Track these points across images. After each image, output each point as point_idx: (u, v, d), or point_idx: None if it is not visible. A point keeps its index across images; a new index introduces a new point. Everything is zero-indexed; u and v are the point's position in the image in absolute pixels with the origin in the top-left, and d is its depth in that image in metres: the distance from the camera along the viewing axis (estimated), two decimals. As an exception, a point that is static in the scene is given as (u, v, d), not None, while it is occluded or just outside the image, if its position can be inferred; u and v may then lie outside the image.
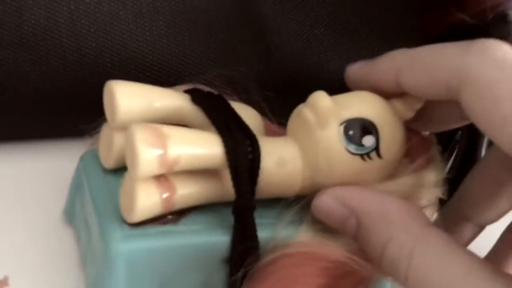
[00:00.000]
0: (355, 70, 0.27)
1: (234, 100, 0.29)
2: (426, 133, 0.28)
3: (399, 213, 0.24)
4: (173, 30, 0.31)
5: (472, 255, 0.23)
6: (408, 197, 0.26)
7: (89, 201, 0.27)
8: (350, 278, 0.25)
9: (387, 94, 0.27)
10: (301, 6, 0.34)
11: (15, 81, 0.30)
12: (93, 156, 0.28)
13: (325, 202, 0.25)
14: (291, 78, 0.32)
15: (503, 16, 0.29)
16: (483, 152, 0.32)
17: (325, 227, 0.26)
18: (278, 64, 0.33)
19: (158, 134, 0.24)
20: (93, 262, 0.26)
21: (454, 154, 0.32)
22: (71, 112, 0.30)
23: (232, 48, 0.32)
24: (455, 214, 0.29)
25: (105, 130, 0.27)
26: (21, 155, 0.32)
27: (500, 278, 0.22)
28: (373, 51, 0.35)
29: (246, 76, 0.30)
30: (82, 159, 0.28)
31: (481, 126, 0.23)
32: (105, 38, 0.30)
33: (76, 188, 0.29)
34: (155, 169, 0.24)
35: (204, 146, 0.25)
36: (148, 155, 0.23)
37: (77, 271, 0.28)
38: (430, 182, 0.27)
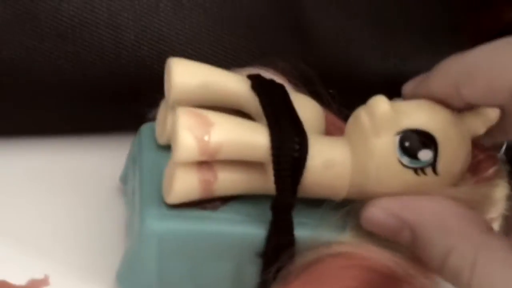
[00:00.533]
0: (410, 90, 0.25)
1: (299, 90, 0.28)
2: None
3: (457, 220, 0.23)
4: (212, 22, 0.30)
5: None
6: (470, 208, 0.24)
7: (138, 175, 0.27)
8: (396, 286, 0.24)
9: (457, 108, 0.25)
10: (342, 2, 0.32)
11: (50, 73, 0.30)
12: (150, 130, 0.28)
13: (375, 215, 0.24)
14: (329, 75, 0.31)
15: None
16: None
17: (372, 234, 0.25)
18: (317, 60, 0.32)
19: (203, 121, 0.23)
20: (131, 235, 0.26)
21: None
22: (110, 105, 0.30)
23: (270, 42, 0.31)
24: None
25: (162, 106, 0.27)
26: (67, 148, 0.32)
27: None
28: (416, 50, 0.33)
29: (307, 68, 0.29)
30: (139, 132, 0.28)
31: None
32: (144, 30, 0.30)
33: (131, 158, 0.29)
34: (195, 156, 0.23)
35: (250, 138, 0.24)
36: (188, 141, 0.23)
37: (123, 240, 0.28)
38: (494, 197, 0.25)
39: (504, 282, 0.21)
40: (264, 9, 0.31)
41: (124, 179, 0.30)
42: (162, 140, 0.27)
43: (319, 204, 0.26)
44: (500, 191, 0.24)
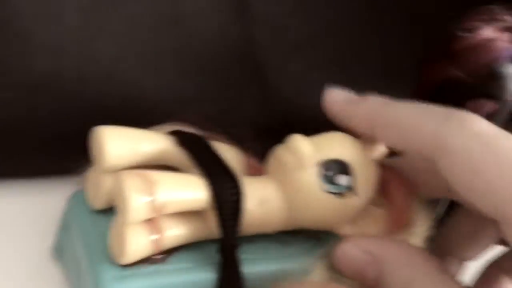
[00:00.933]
0: (332, 101, 0.28)
1: (218, 138, 0.31)
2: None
3: (419, 256, 0.26)
4: (177, 74, 0.32)
5: None
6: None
7: (78, 242, 0.28)
8: None
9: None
10: (298, 50, 0.35)
11: (20, 122, 0.31)
12: (80, 197, 0.29)
13: (347, 250, 0.27)
14: (286, 120, 0.34)
15: (495, 73, 0.31)
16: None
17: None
18: (274, 107, 0.35)
19: (147, 180, 0.25)
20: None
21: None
22: (74, 153, 0.30)
23: (230, 90, 0.34)
24: (441, 250, 0.31)
25: (92, 173, 0.29)
26: (17, 192, 0.33)
27: None
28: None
29: (236, 116, 0.32)
30: (69, 200, 0.30)
31: (461, 191, 0.25)
32: (110, 82, 0.32)
33: (64, 228, 0.30)
34: (145, 215, 0.25)
35: (191, 190, 0.26)
36: (138, 202, 0.25)
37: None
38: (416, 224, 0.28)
39: None
40: (224, 60, 0.33)
41: (59, 250, 0.30)
42: (97, 205, 0.28)
43: (259, 239, 0.28)
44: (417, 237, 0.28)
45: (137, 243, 0.26)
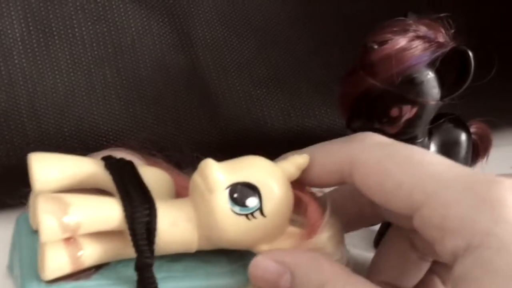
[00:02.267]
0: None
1: (154, 163, 0.32)
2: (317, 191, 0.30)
3: (327, 261, 0.28)
4: (124, 102, 0.35)
5: None
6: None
7: (18, 259, 0.30)
8: None
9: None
10: (242, 69, 0.37)
11: None
12: (25, 218, 0.32)
13: (261, 262, 0.28)
14: (236, 137, 0.35)
15: (410, 80, 0.32)
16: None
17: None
18: (224, 125, 0.37)
19: (60, 202, 0.27)
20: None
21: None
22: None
23: (181, 113, 0.36)
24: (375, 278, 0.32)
25: (31, 198, 0.31)
26: None
27: None
28: (313, 105, 0.38)
29: (187, 137, 0.34)
30: (17, 221, 0.32)
31: (376, 197, 0.28)
32: (62, 115, 0.34)
33: (13, 246, 0.32)
34: (58, 234, 0.27)
35: (104, 211, 0.28)
36: (50, 222, 0.27)
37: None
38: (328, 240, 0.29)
39: None
40: (173, 85, 0.36)
41: (11, 267, 0.33)
42: (34, 226, 0.31)
43: (179, 258, 0.30)
44: (329, 233, 0.29)
45: (56, 260, 0.28)
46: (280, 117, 0.37)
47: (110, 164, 0.30)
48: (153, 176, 0.30)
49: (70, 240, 0.28)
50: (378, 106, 0.33)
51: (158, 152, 0.33)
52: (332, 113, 0.36)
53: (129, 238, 0.28)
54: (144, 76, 0.36)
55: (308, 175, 0.30)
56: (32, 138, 0.34)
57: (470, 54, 0.32)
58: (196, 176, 0.29)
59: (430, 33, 0.33)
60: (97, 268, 0.29)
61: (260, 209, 0.28)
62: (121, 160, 0.31)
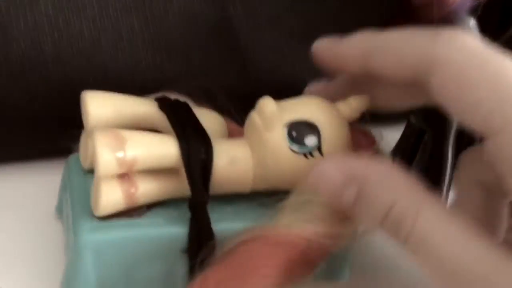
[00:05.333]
0: (323, 48, 0.29)
1: (202, 107, 0.32)
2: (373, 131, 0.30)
3: (401, 177, 0.26)
4: (151, 53, 0.34)
5: (471, 223, 0.24)
6: None
7: (69, 198, 0.30)
8: (297, 257, 0.26)
9: (333, 98, 0.29)
10: (274, 21, 0.36)
11: (6, 107, 0.33)
12: (76, 159, 0.31)
13: (325, 169, 0.26)
14: (266, 91, 0.34)
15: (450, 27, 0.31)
16: (449, 153, 0.34)
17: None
18: (255, 79, 0.36)
19: (117, 137, 0.27)
20: (69, 253, 0.29)
21: (420, 155, 0.34)
22: (61, 132, 0.32)
23: (209, 66, 0.35)
24: None
25: (83, 136, 0.31)
26: (20, 173, 0.36)
27: (495, 249, 0.23)
28: None
29: (221, 88, 0.33)
30: (66, 162, 0.32)
31: (453, 109, 0.25)
32: (88, 63, 0.33)
33: (63, 187, 0.32)
34: (115, 169, 0.27)
35: (161, 148, 0.28)
36: (107, 156, 0.27)
37: (63, 259, 0.31)
38: None
39: (443, 238, 0.24)
40: (202, 36, 0.35)
41: (59, 208, 0.33)
42: (86, 165, 0.30)
43: (232, 200, 0.29)
44: None
45: (110, 196, 0.27)
46: (311, 71, 0.37)
47: (165, 104, 0.30)
48: (207, 117, 0.30)
49: (124, 176, 0.28)
50: None
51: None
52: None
53: (184, 176, 0.28)
54: (172, 27, 0.35)
55: (379, 61, 0.27)
56: (56, 86, 0.34)
57: None
58: (254, 115, 0.28)
59: None
60: (149, 206, 0.29)
61: (319, 147, 0.28)
62: (176, 100, 0.30)
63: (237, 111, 0.32)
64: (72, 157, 0.32)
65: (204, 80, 0.34)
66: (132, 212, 0.28)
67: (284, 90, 0.31)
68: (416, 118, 0.34)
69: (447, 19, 0.31)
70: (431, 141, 0.34)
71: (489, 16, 0.31)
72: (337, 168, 0.26)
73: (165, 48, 0.34)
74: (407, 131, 0.35)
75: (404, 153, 0.35)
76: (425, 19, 0.30)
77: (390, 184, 0.25)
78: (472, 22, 0.31)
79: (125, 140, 0.27)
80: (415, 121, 0.34)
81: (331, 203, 0.27)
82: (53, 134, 0.33)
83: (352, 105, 0.29)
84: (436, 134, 0.34)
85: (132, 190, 0.28)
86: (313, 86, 0.31)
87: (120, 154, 0.27)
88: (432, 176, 0.35)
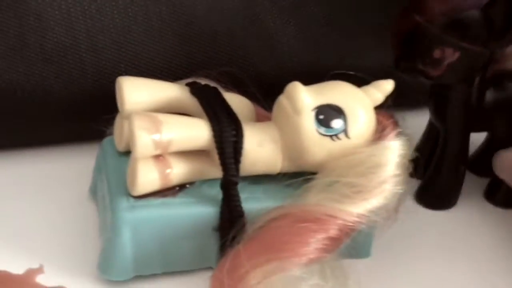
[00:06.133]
0: None
1: (231, 92, 0.33)
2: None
3: None
4: (180, 40, 0.35)
5: None
6: (378, 164, 0.29)
7: (105, 179, 0.32)
8: (324, 233, 0.28)
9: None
10: (298, 9, 0.37)
11: (41, 93, 0.34)
12: (110, 141, 0.33)
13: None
14: (291, 77, 0.36)
15: (454, 21, 0.31)
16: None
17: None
18: (278, 65, 0.37)
19: (154, 120, 0.28)
20: (105, 230, 0.31)
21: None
22: (94, 117, 0.34)
23: (235, 53, 0.36)
24: None
25: (117, 119, 0.32)
26: (55, 156, 0.37)
27: None
28: (367, 47, 0.39)
29: (247, 74, 0.35)
30: (101, 144, 0.33)
31: None
32: (120, 50, 0.35)
33: (97, 169, 0.34)
34: (151, 150, 0.28)
35: (194, 130, 0.29)
36: (144, 138, 0.28)
37: (98, 238, 0.32)
38: (398, 152, 0.30)
39: None
40: (228, 24, 0.36)
41: (93, 189, 0.34)
42: (121, 147, 0.32)
43: (261, 180, 0.31)
44: (402, 147, 0.30)
45: (146, 175, 0.29)
46: (334, 58, 0.38)
47: (196, 89, 0.31)
48: (236, 101, 0.31)
49: (160, 157, 0.29)
50: (422, 46, 0.32)
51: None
52: (386, 55, 0.36)
53: (215, 158, 0.29)
54: (200, 14, 0.36)
55: None
56: (89, 72, 0.35)
57: None
58: (283, 98, 0.30)
59: None
60: (182, 187, 0.30)
61: (345, 131, 0.29)
62: (207, 85, 0.32)
63: (263, 97, 0.33)
64: (106, 140, 0.33)
65: (231, 66, 0.35)
66: (166, 192, 0.30)
67: (308, 76, 0.32)
68: (433, 117, 0.35)
69: (450, 13, 0.31)
70: (444, 139, 0.35)
71: (497, 9, 0.32)
72: None
73: (193, 35, 0.36)
74: (428, 129, 0.37)
75: (424, 150, 0.36)
76: (431, 11, 0.31)
77: None
78: (476, 19, 0.32)
79: (161, 123, 0.28)
80: (433, 120, 0.36)
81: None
82: (86, 119, 0.35)
83: (380, 89, 0.30)
84: (451, 132, 0.35)
85: (167, 170, 0.29)
86: None
87: (156, 137, 0.28)
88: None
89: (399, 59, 0.33)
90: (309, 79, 0.31)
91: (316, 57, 0.37)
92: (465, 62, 0.32)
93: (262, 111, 0.33)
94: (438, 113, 0.35)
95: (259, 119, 0.32)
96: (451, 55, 0.32)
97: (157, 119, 0.28)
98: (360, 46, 0.38)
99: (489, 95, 0.35)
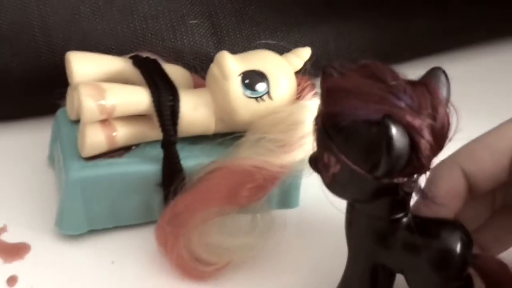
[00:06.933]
0: None
1: (171, 63, 0.37)
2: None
3: None
4: (125, 19, 0.39)
5: None
6: (298, 121, 0.32)
7: (59, 145, 0.35)
8: (251, 182, 0.32)
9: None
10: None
11: None
12: (63, 112, 0.36)
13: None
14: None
15: (337, 128, 0.26)
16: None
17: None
18: (219, 40, 0.41)
19: (98, 88, 0.32)
20: (60, 189, 0.34)
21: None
22: (46, 92, 0.37)
23: (176, 29, 0.40)
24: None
25: (69, 91, 0.35)
26: (14, 130, 0.40)
27: None
28: None
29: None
30: (56, 115, 0.37)
31: None
32: (69, 29, 0.38)
33: (53, 137, 0.37)
34: (97, 115, 0.32)
35: (136, 96, 0.33)
36: (90, 104, 0.32)
37: (56, 200, 0.35)
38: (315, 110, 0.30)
39: None
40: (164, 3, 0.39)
41: (51, 157, 0.38)
42: (72, 116, 0.35)
43: (197, 141, 0.34)
44: (309, 110, 0.33)
45: (94, 139, 0.32)
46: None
47: (138, 61, 0.35)
48: (174, 71, 0.35)
49: (106, 122, 0.33)
50: (318, 145, 0.28)
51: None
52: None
53: (155, 121, 0.33)
54: None
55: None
56: (43, 50, 0.38)
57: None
58: (213, 66, 0.33)
59: (409, 101, 0.26)
60: (127, 149, 0.34)
61: (268, 93, 0.33)
62: (147, 57, 0.35)
63: (203, 68, 0.37)
64: (60, 111, 0.37)
65: (174, 40, 0.39)
66: (113, 153, 0.33)
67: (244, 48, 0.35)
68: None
69: (337, 118, 0.26)
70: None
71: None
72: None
73: (137, 15, 0.39)
74: None
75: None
76: (323, 107, 0.27)
77: None
78: (365, 134, 0.26)
79: (105, 90, 0.32)
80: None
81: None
82: (41, 93, 0.38)
83: (299, 55, 0.34)
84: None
85: (113, 133, 0.33)
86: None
87: (101, 102, 0.32)
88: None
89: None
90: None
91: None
92: (348, 179, 0.27)
93: (200, 80, 0.36)
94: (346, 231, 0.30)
95: (197, 87, 0.36)
96: (334, 165, 0.27)
97: (102, 87, 0.32)
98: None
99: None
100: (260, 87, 0.33)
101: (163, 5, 0.39)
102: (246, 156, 0.32)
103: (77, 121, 0.35)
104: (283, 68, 0.34)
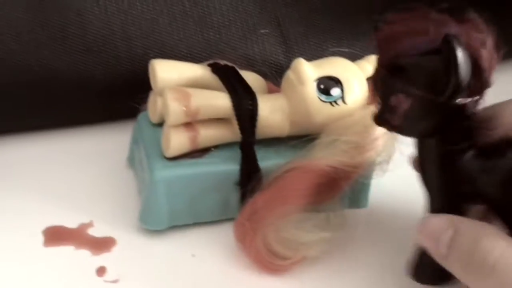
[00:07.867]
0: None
1: (247, 70, 0.39)
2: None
3: (492, 227, 0.29)
4: (200, 29, 0.41)
5: None
6: (371, 124, 0.33)
7: (141, 147, 0.37)
8: (327, 181, 0.34)
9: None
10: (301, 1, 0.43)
11: (85, 78, 0.40)
12: (145, 115, 0.39)
13: (431, 219, 0.30)
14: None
15: (401, 66, 0.29)
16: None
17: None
18: (288, 49, 0.43)
19: (184, 93, 0.34)
20: (144, 188, 0.36)
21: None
22: (126, 98, 0.40)
23: (247, 39, 0.42)
24: None
25: (151, 96, 0.38)
26: (96, 133, 0.43)
27: None
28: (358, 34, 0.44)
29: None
30: (138, 118, 0.39)
31: None
32: (149, 39, 0.41)
33: (134, 140, 0.39)
34: (182, 118, 0.34)
35: (217, 101, 0.35)
36: (176, 107, 0.34)
37: (136, 198, 0.38)
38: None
39: None
40: (242, 13, 0.42)
41: (131, 158, 0.40)
42: (154, 119, 0.38)
43: (273, 143, 0.36)
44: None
45: (178, 140, 0.35)
46: (334, 39, 0.43)
47: (217, 68, 0.37)
48: (251, 77, 0.37)
49: (189, 125, 0.35)
50: (380, 93, 0.30)
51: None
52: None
53: (235, 124, 0.35)
54: (217, 7, 0.42)
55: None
56: (124, 59, 0.41)
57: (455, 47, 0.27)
58: (290, 72, 0.36)
59: (447, 29, 0.28)
60: (208, 149, 0.36)
61: (342, 97, 0.35)
62: (225, 65, 0.38)
63: (273, 75, 0.39)
64: (141, 115, 0.39)
65: (245, 50, 0.41)
66: (195, 154, 0.36)
67: (313, 56, 0.37)
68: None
69: (397, 58, 0.29)
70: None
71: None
72: (440, 217, 0.30)
73: (211, 25, 0.42)
74: None
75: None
76: (381, 55, 0.30)
77: (482, 227, 0.29)
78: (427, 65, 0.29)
79: (190, 95, 0.34)
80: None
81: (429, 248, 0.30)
82: (121, 99, 0.41)
83: (372, 62, 0.36)
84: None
85: (195, 135, 0.35)
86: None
87: (186, 106, 0.34)
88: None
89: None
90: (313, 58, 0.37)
91: (319, 39, 0.43)
92: (419, 111, 0.29)
93: (272, 86, 0.39)
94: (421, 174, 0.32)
95: (270, 92, 0.38)
96: (404, 102, 0.29)
97: (187, 92, 0.34)
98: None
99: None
100: (335, 92, 0.35)
101: (235, 15, 0.42)
102: (321, 156, 0.34)
103: (158, 124, 0.37)
104: (356, 74, 0.36)
